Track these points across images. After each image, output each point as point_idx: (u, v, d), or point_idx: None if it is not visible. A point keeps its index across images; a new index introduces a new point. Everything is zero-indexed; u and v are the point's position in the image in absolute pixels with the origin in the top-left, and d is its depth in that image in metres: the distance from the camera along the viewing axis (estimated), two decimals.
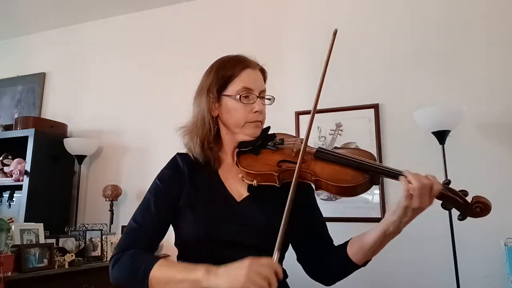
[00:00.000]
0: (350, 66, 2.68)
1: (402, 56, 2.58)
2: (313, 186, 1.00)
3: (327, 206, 2.51)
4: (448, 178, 2.14)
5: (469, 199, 0.93)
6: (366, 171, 0.95)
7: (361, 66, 2.65)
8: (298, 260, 1.14)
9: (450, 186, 0.94)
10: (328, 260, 1.07)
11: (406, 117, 2.39)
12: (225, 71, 1.07)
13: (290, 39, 2.89)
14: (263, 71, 1.15)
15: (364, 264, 1.03)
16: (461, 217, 0.93)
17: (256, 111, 1.06)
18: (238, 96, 1.05)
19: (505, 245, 2.06)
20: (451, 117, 2.15)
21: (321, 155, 1.01)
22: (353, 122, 2.59)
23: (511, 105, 2.30)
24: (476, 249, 2.21)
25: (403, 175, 0.90)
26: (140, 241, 1.00)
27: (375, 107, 2.55)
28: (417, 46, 2.56)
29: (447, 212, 2.13)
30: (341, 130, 2.61)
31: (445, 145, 2.18)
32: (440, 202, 0.92)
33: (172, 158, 1.13)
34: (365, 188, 0.96)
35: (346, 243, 1.05)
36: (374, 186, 0.99)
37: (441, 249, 2.22)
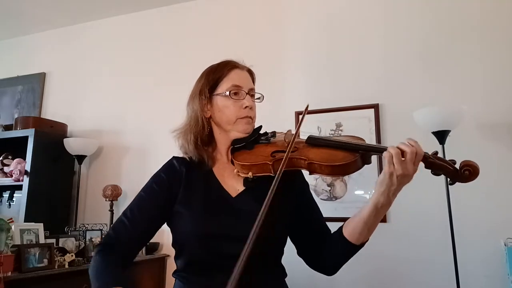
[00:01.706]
0: (350, 66, 2.68)
1: (402, 56, 2.58)
2: (308, 172, 1.02)
3: (327, 206, 2.51)
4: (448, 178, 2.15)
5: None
6: (356, 150, 0.99)
7: (361, 66, 2.66)
8: (298, 253, 1.15)
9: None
10: (327, 247, 1.08)
11: (406, 117, 2.39)
12: (214, 74, 1.13)
13: (290, 39, 2.89)
14: (250, 72, 1.19)
15: (362, 245, 1.04)
16: (451, 182, 0.96)
17: (246, 107, 1.10)
18: (228, 93, 1.10)
19: (505, 245, 2.06)
20: (451, 117, 2.15)
21: (312, 141, 1.05)
22: (353, 122, 2.59)
23: (511, 105, 2.31)
24: (476, 249, 2.21)
25: (387, 147, 0.94)
26: (125, 236, 1.04)
27: (375, 107, 2.56)
28: (417, 46, 2.56)
29: (447, 211, 2.13)
30: (341, 130, 2.61)
31: (445, 145, 2.18)
32: (430, 171, 0.95)
33: (168, 161, 1.16)
34: (356, 166, 0.99)
35: (342, 226, 1.07)
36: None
37: (441, 249, 2.22)
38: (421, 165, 0.95)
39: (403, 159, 0.90)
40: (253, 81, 1.19)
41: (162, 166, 1.15)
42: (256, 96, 1.17)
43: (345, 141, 1.02)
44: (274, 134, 1.14)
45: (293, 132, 1.11)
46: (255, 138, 1.11)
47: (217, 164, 1.13)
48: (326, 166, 0.97)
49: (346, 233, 1.03)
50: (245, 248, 0.79)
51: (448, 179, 0.96)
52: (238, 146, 1.09)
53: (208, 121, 1.13)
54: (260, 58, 2.86)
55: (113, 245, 1.04)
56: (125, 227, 1.05)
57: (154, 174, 1.14)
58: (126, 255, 1.05)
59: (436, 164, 0.94)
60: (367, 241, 1.04)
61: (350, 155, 0.97)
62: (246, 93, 1.11)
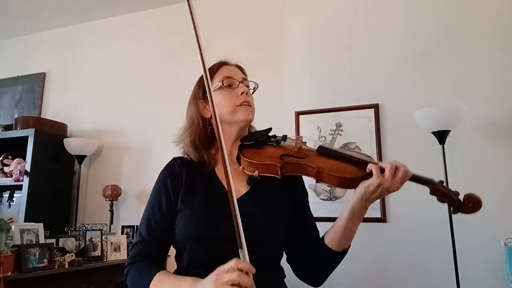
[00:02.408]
0: (350, 66, 2.68)
1: (403, 56, 2.58)
2: (315, 180, 1.02)
3: (327, 206, 2.50)
4: (448, 178, 2.15)
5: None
6: (365, 167, 1.00)
7: (361, 66, 2.66)
8: (288, 260, 1.15)
9: (444, 185, 1.02)
10: (312, 255, 1.09)
11: (406, 117, 2.39)
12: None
13: (290, 39, 2.89)
14: (239, 68, 1.21)
15: (344, 252, 1.04)
16: (454, 212, 1.01)
17: (242, 93, 1.11)
18: (221, 83, 1.12)
19: (505, 245, 2.06)
20: (451, 117, 2.15)
21: (324, 151, 1.07)
22: (353, 122, 2.59)
23: (511, 105, 2.31)
24: (476, 249, 2.21)
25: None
26: (146, 253, 1.07)
27: (375, 107, 2.55)
28: (418, 46, 2.56)
29: (447, 212, 2.13)
30: (341, 130, 2.61)
31: (445, 145, 2.19)
32: (436, 197, 1.00)
33: (169, 162, 1.16)
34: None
35: (324, 234, 1.08)
36: None
37: (441, 249, 2.22)
38: (425, 189, 0.99)
39: (394, 175, 0.94)
40: (245, 75, 1.20)
41: (163, 169, 1.16)
42: (251, 86, 1.18)
43: (356, 156, 1.04)
44: (285, 138, 1.14)
45: (304, 139, 1.12)
46: (264, 139, 1.11)
47: (219, 165, 1.13)
48: (335, 176, 0.98)
49: (327, 240, 1.04)
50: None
51: (452, 208, 1.01)
52: (247, 144, 1.09)
53: (209, 122, 1.13)
54: (260, 58, 2.86)
55: (141, 256, 1.07)
56: (144, 246, 1.08)
57: (156, 180, 1.14)
58: (156, 263, 1.09)
59: (441, 191, 0.99)
60: (348, 248, 1.05)
61: (359, 171, 0.99)
62: (240, 82, 1.13)
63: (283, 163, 1.02)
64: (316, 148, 1.08)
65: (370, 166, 0.95)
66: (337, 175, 0.98)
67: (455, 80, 2.43)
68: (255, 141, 1.09)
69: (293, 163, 1.02)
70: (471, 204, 0.98)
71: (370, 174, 0.98)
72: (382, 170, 0.94)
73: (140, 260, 1.06)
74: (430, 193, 1.00)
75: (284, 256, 1.15)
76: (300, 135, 2.64)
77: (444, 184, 1.01)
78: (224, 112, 1.10)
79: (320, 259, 1.07)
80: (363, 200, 0.97)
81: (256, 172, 1.03)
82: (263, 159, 1.03)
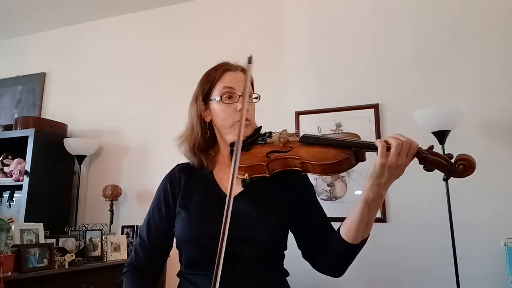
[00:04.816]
0: (350, 66, 2.68)
1: (403, 56, 2.58)
2: (301, 171, 1.01)
3: (327, 206, 2.48)
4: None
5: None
6: (348, 148, 0.97)
7: (361, 66, 2.66)
8: (304, 256, 1.13)
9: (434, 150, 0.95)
10: (328, 249, 1.07)
11: (406, 117, 2.39)
12: (208, 78, 1.14)
13: (291, 39, 2.89)
14: (245, 72, 1.15)
15: (362, 243, 1.01)
16: (445, 177, 0.93)
17: (240, 109, 1.08)
18: (219, 98, 1.10)
19: (505, 245, 2.06)
20: (451, 117, 2.15)
21: (305, 139, 1.05)
22: (353, 122, 2.59)
23: (511, 105, 2.31)
24: (476, 249, 2.21)
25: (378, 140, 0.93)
26: (144, 256, 1.14)
27: (375, 107, 2.56)
28: (417, 46, 2.56)
29: (447, 211, 2.13)
30: (341, 130, 2.61)
31: (445, 145, 2.18)
32: (422, 166, 0.93)
33: (171, 169, 1.21)
34: (349, 164, 0.97)
35: (340, 226, 1.05)
36: None
37: (441, 248, 2.22)
38: (417, 163, 0.93)
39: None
40: (251, 82, 1.16)
41: (165, 175, 1.20)
42: (253, 96, 1.15)
43: (337, 139, 1.01)
44: (270, 134, 1.13)
45: (289, 131, 1.10)
46: (252, 140, 1.10)
47: (218, 167, 1.15)
48: (318, 165, 0.96)
49: (343, 233, 1.02)
50: (219, 248, 0.84)
51: (443, 175, 0.92)
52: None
53: (209, 125, 1.15)
54: (260, 58, 2.85)
55: (137, 265, 1.14)
56: (143, 250, 1.14)
57: (158, 187, 1.19)
58: (152, 270, 1.16)
59: (429, 159, 0.91)
60: (366, 238, 1.02)
61: (342, 153, 0.96)
62: (240, 96, 1.09)
63: (268, 161, 1.01)
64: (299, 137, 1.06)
65: (378, 144, 0.91)
66: (319, 163, 0.95)
67: (455, 80, 2.43)
68: (243, 143, 1.07)
69: (279, 158, 1.02)
70: (461, 167, 0.89)
71: (356, 153, 0.97)
72: (388, 148, 0.90)
73: (135, 270, 1.13)
74: (419, 163, 0.92)
75: (289, 250, 1.13)
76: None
77: (433, 149, 0.93)
78: (222, 124, 1.11)
79: (337, 253, 1.05)
80: (374, 188, 0.92)
81: (246, 175, 1.03)
82: (250, 161, 1.03)
